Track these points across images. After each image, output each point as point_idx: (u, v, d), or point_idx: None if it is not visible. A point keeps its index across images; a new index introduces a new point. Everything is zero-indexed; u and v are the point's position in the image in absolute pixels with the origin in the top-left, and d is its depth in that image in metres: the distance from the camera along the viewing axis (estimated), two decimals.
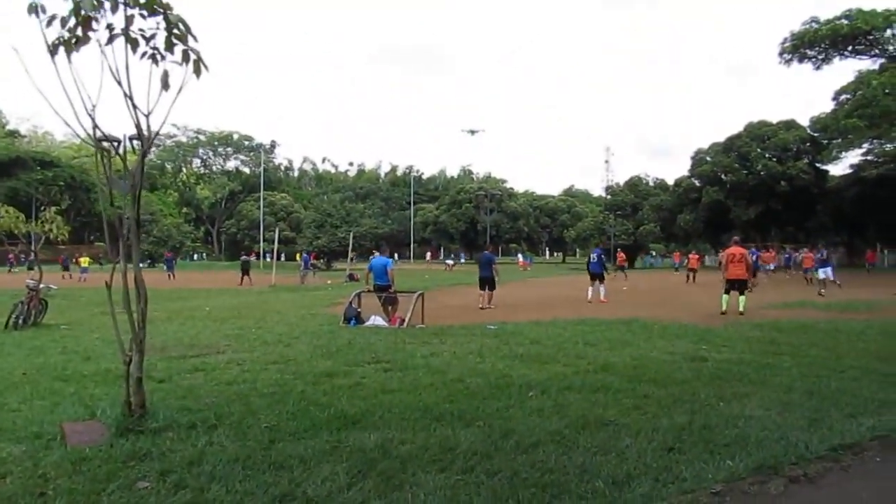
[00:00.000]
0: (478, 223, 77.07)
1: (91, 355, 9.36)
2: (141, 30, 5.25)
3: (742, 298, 15.00)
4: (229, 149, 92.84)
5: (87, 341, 10.93)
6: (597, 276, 19.08)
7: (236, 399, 6.18)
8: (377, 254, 15.94)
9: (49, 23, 5.04)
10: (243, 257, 36.00)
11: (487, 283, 17.00)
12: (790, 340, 10.41)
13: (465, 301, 19.35)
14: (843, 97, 41.08)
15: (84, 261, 37.72)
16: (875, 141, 45.29)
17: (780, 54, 39.36)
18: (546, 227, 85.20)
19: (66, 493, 3.78)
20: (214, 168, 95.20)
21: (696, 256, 34.00)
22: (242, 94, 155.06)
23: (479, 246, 72.24)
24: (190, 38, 5.44)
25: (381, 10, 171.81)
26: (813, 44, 37.64)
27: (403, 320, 12.88)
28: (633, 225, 63.33)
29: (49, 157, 73.83)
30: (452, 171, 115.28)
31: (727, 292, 15.22)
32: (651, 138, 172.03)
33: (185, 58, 5.44)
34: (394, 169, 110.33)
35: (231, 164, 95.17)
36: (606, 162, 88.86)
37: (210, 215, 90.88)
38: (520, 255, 71.47)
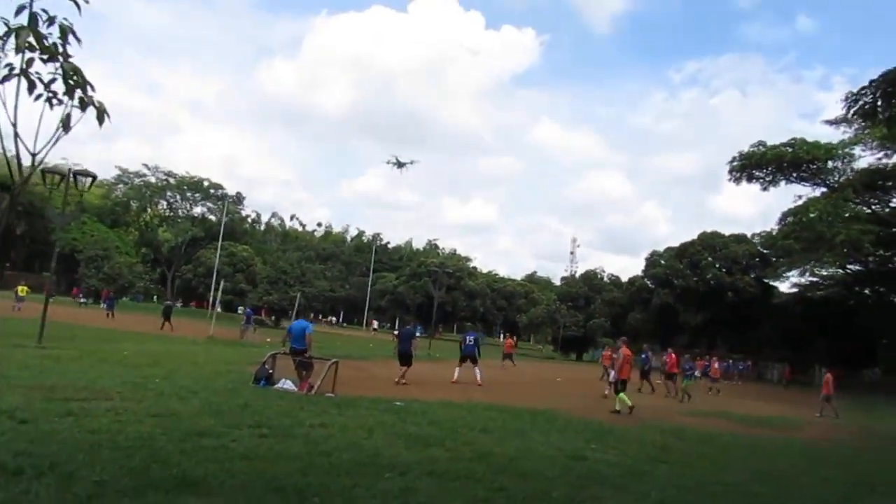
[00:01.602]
0: (435, 298, 77.24)
1: None
2: (38, 73, 5.44)
3: (624, 396, 15.64)
4: (198, 195, 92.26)
5: None
6: (468, 358, 19.60)
7: (87, 449, 6.07)
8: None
9: None
10: (166, 303, 35.70)
11: (405, 358, 16.99)
12: (683, 449, 10.57)
13: (392, 374, 19.22)
14: (789, 219, 43.06)
15: (22, 290, 36.71)
16: (815, 264, 47.16)
17: (730, 172, 41.39)
18: (502, 309, 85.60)
19: None
20: (180, 212, 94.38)
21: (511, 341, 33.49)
22: (223, 143, 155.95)
23: (437, 321, 72.16)
24: (88, 88, 5.64)
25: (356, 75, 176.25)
26: (760, 166, 39.70)
27: (312, 387, 12.77)
28: (584, 317, 64.07)
29: (8, 181, 72.67)
30: (419, 244, 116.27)
31: (618, 392, 15.72)
32: (617, 234, 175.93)
33: (83, 105, 5.61)
34: (360, 234, 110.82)
35: (198, 210, 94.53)
36: (572, 253, 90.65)
37: (168, 258, 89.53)
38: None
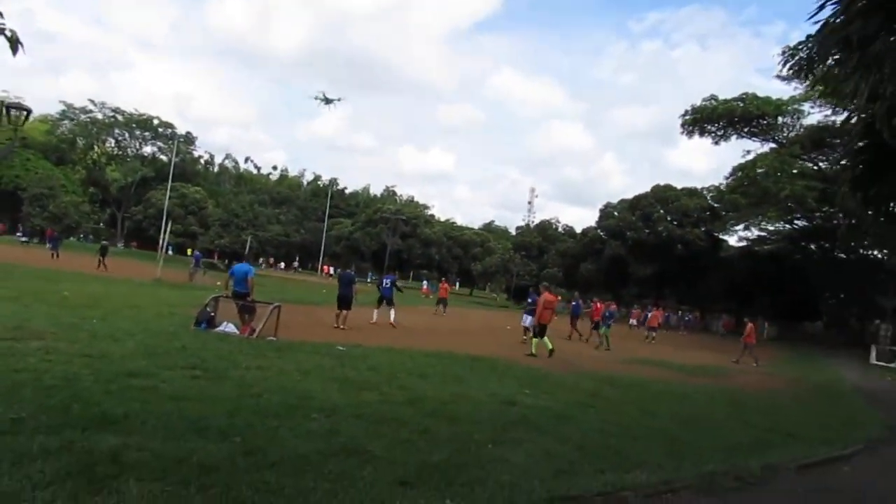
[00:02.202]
0: (390, 245, 77.16)
1: None
2: None
3: (544, 340, 16.22)
4: (147, 133, 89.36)
5: None
6: (385, 300, 20.28)
7: (9, 387, 6.02)
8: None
9: None
10: (102, 242, 35.41)
11: (345, 302, 17.04)
12: (613, 396, 10.95)
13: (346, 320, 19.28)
14: (738, 174, 43.88)
15: None
16: (762, 219, 48.40)
17: (682, 125, 41.79)
18: (458, 258, 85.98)
19: None
20: (129, 151, 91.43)
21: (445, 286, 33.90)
22: (174, 81, 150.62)
23: (390, 267, 72.22)
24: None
25: (318, 16, 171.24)
26: (711, 120, 40.15)
27: (254, 330, 12.76)
28: (537, 267, 64.92)
29: None
30: (377, 190, 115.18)
31: (540, 335, 16.35)
32: (575, 186, 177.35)
33: None
34: (316, 179, 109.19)
35: (147, 150, 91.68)
36: (529, 203, 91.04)
37: (118, 199, 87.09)
38: (424, 282, 71.84)
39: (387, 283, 20.89)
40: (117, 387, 6.68)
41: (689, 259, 54.52)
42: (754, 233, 55.31)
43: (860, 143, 6.83)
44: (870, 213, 7.88)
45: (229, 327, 13.01)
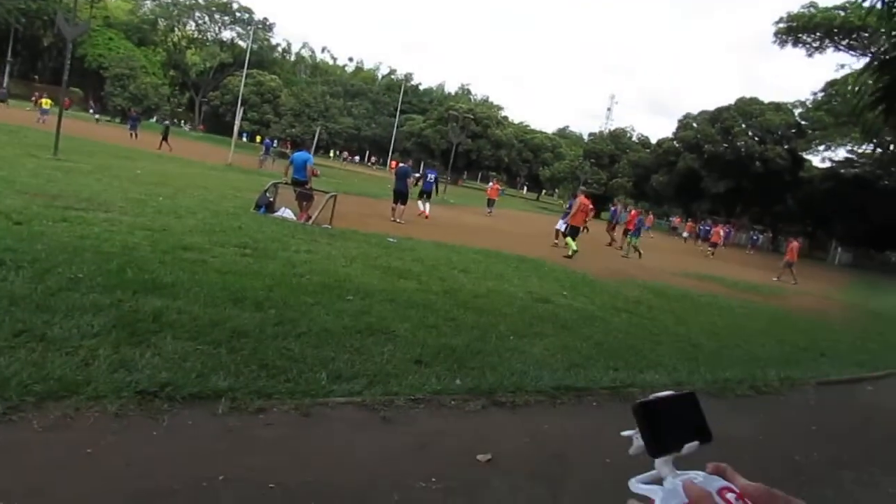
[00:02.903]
0: (460, 144, 76.60)
1: None
2: None
3: (573, 242, 16.71)
4: (226, 17, 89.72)
5: None
6: (426, 193, 21.02)
7: (71, 250, 6.57)
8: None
9: None
10: (165, 122, 36.50)
11: (400, 196, 17.31)
12: (654, 304, 11.01)
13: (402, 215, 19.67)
14: (830, 90, 40.98)
15: (46, 102, 37.13)
16: (849, 140, 45.53)
17: (775, 34, 38.91)
18: (527, 161, 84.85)
19: None
20: (209, 35, 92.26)
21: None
22: None
23: (457, 167, 72.10)
24: None
25: None
26: (807, 29, 37.14)
27: (311, 217, 13.24)
28: (607, 175, 63.56)
29: None
30: (451, 88, 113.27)
31: (571, 236, 16.92)
32: (658, 96, 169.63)
33: None
34: (391, 73, 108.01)
35: (227, 35, 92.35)
36: (609, 109, 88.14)
37: (196, 83, 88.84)
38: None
39: (430, 178, 21.48)
40: (171, 258, 7.18)
41: (767, 177, 52.22)
42: (840, 154, 52.17)
43: None
44: None
45: (287, 213, 13.53)
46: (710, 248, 30.15)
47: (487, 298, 8.45)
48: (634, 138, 69.71)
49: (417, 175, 22.84)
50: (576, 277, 12.52)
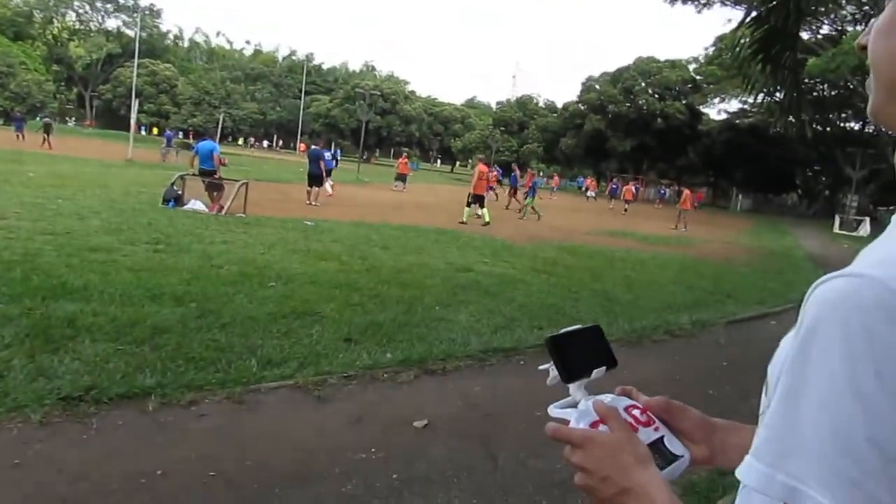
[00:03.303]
0: (370, 122, 75.87)
1: None
2: None
3: (485, 211, 17.36)
4: (109, 5, 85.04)
5: None
6: (327, 171, 20.63)
7: None
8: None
9: None
10: (44, 119, 35.14)
11: (315, 179, 17.15)
12: (570, 263, 11.39)
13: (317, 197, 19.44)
14: (720, 44, 42.92)
15: None
16: (740, 91, 47.82)
17: None
18: (438, 134, 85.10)
19: None
20: (92, 25, 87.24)
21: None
22: None
23: (368, 145, 71.45)
24: None
25: None
26: None
27: (223, 207, 12.93)
28: (517, 142, 64.65)
29: None
30: (355, 66, 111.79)
31: (470, 204, 17.45)
32: (561, 60, 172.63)
33: None
34: (292, 54, 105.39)
35: (112, 24, 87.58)
36: (514, 77, 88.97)
37: (84, 77, 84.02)
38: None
39: (328, 157, 21.43)
40: (78, 261, 6.91)
41: (668, 133, 54.49)
42: (734, 106, 54.90)
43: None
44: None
45: (197, 204, 13.16)
46: (624, 205, 31.41)
47: (410, 273, 8.54)
48: (541, 104, 71.10)
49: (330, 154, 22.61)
50: (494, 244, 12.79)
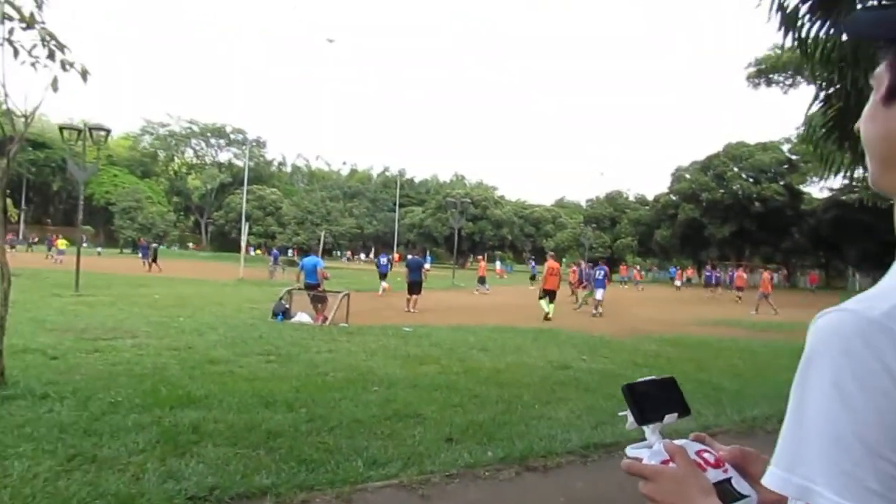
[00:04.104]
0: (462, 229, 77.77)
1: (9, 333, 9.96)
2: (19, 41, 6.00)
3: (552, 306, 17.69)
4: (221, 141, 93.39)
5: (15, 320, 11.52)
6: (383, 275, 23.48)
7: (106, 377, 6.87)
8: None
9: None
10: (152, 245, 37.76)
11: (415, 287, 17.68)
12: (673, 355, 11.13)
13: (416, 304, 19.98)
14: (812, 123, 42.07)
15: (61, 243, 38.30)
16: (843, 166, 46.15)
17: (747, 78, 40.26)
18: (530, 235, 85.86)
19: None
20: (206, 159, 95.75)
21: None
22: (243, 89, 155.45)
23: (462, 251, 72.80)
24: (66, 50, 6.20)
25: (378, 9, 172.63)
26: (776, 69, 38.48)
27: (327, 318, 13.57)
28: (610, 238, 64.23)
29: (43, 138, 73.95)
30: (445, 177, 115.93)
31: (543, 298, 17.97)
32: (646, 152, 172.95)
33: (64, 66, 6.20)
34: (385, 170, 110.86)
35: (223, 157, 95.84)
36: (601, 174, 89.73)
37: (199, 206, 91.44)
38: (498, 263, 72.21)
39: (384, 262, 24.46)
40: (199, 372, 7.47)
41: (768, 215, 52.75)
42: (839, 181, 52.81)
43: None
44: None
45: (304, 317, 13.87)
46: (737, 293, 30.49)
47: (508, 372, 8.63)
48: (631, 197, 70.91)
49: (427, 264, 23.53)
50: (593, 341, 12.68)
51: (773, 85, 39.47)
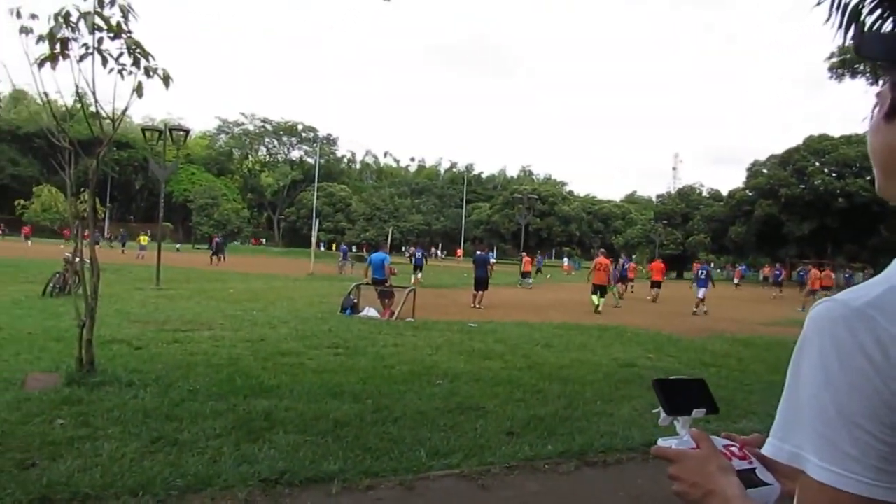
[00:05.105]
0: (529, 225, 77.35)
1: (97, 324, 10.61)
2: (107, 49, 6.40)
3: (602, 300, 18.50)
4: (293, 139, 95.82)
5: (103, 312, 12.24)
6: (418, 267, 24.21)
7: (185, 367, 7.26)
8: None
9: (37, 42, 6.23)
10: (216, 239, 38.75)
11: (481, 283, 17.75)
12: (744, 355, 10.86)
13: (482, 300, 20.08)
14: None
15: (143, 239, 40.17)
16: None
17: (830, 69, 38.34)
18: (599, 232, 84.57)
19: (0, 422, 4.89)
20: (279, 157, 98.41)
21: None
22: (313, 88, 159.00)
23: (529, 247, 72.45)
24: (150, 58, 6.58)
25: (446, 8, 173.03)
26: (861, 59, 36.51)
27: (394, 313, 13.84)
28: (682, 235, 62.52)
29: (126, 138, 77.57)
30: (513, 172, 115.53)
31: (594, 293, 18.66)
32: (719, 146, 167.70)
33: (147, 73, 6.59)
34: (453, 166, 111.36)
35: (295, 154, 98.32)
36: (674, 169, 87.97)
37: (272, 202, 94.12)
38: (566, 259, 71.50)
39: (419, 255, 25.69)
40: (271, 364, 7.80)
41: (853, 212, 50.25)
42: None
43: None
44: None
45: (371, 311, 14.18)
46: (813, 295, 29.35)
47: (572, 369, 8.64)
48: (704, 193, 68.83)
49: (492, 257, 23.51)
50: (660, 339, 12.51)
51: (858, 76, 37.45)
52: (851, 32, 5.42)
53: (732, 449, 1.03)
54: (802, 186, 52.35)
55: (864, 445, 0.71)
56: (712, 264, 63.00)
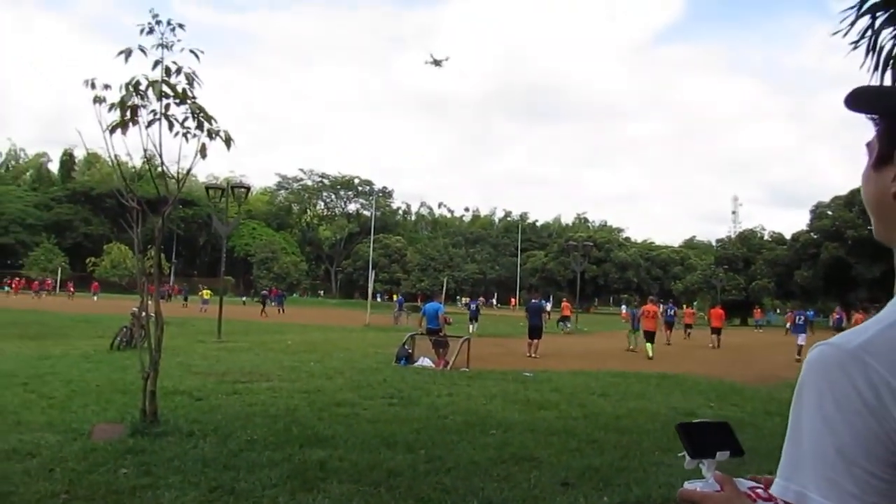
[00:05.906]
0: (585, 272, 76.52)
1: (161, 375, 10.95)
2: (173, 114, 6.81)
3: (650, 345, 18.72)
4: (350, 192, 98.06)
5: (166, 364, 12.63)
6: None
7: (244, 417, 7.43)
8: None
9: (109, 109, 6.68)
10: (262, 292, 39.36)
11: (535, 331, 17.59)
12: None
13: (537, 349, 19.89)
14: None
15: (205, 293, 41.38)
16: None
17: None
18: (657, 278, 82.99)
19: (69, 471, 5.10)
20: (336, 210, 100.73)
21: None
22: (368, 142, 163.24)
23: (586, 295, 71.60)
24: (213, 121, 6.96)
25: (498, 56, 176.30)
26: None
27: (448, 363, 13.84)
28: (744, 280, 60.72)
29: (191, 196, 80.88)
30: (567, 219, 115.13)
31: (647, 341, 18.99)
32: (779, 188, 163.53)
33: (210, 135, 6.96)
34: (507, 215, 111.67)
35: (352, 207, 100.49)
36: (734, 213, 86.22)
37: (329, 255, 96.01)
38: (623, 307, 70.16)
39: (473, 307, 26.41)
40: (327, 414, 7.90)
41: None
42: None
43: None
44: None
45: (426, 361, 14.22)
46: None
47: (629, 418, 8.45)
48: (766, 236, 67.00)
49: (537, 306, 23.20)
50: (722, 387, 12.13)
51: None
52: (889, 75, 5.34)
53: (758, 490, 1.05)
54: (870, 228, 50.38)
55: (863, 483, 0.75)
56: (777, 310, 61.01)
